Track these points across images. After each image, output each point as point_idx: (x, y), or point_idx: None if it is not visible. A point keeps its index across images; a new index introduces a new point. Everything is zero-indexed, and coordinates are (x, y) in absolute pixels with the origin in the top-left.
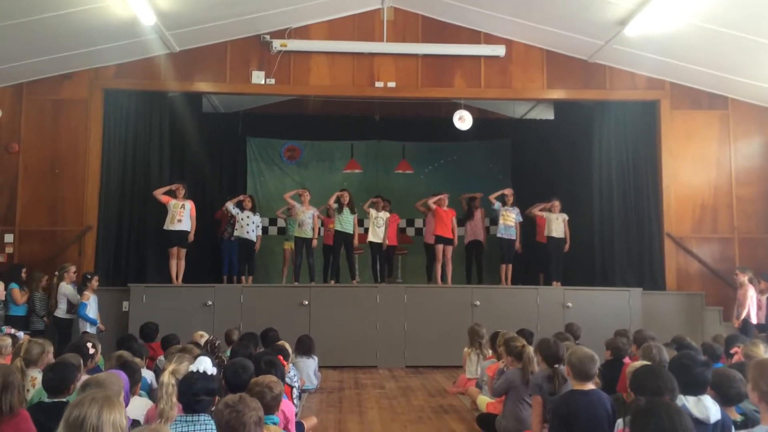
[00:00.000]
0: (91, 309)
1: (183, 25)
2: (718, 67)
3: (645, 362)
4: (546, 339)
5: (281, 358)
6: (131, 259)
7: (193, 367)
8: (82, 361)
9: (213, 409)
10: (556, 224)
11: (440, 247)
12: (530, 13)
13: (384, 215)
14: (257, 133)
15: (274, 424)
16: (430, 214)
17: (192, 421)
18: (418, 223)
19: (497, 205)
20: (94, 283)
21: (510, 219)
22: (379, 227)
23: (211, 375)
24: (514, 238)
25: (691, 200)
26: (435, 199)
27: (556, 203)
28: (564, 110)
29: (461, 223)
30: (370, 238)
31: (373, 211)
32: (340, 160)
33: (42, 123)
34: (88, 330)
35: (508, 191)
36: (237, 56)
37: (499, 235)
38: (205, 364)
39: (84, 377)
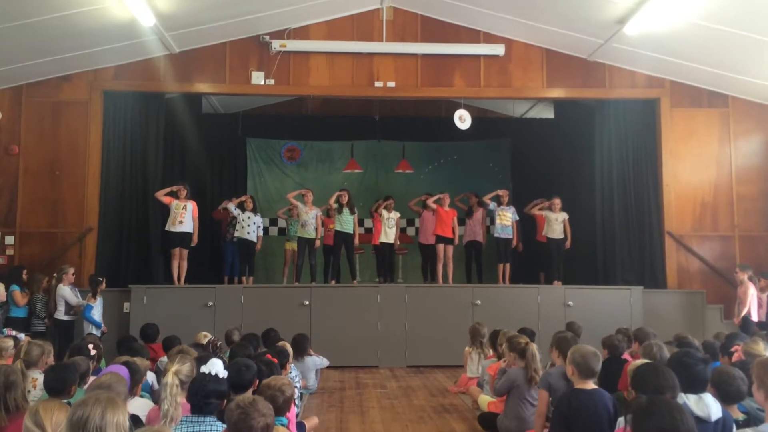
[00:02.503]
0: (96, 311)
1: (182, 26)
2: (718, 65)
3: (646, 360)
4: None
5: (270, 356)
6: (132, 260)
7: (204, 369)
8: (90, 364)
9: (226, 408)
10: (556, 224)
11: (441, 246)
12: (529, 12)
13: (395, 216)
14: (257, 134)
15: (283, 425)
16: (426, 214)
17: (198, 422)
18: (420, 222)
19: (492, 205)
20: (103, 285)
21: (507, 218)
22: (390, 228)
23: (222, 378)
24: (511, 237)
25: (692, 198)
26: (434, 198)
27: (557, 201)
28: (564, 109)
29: (461, 222)
30: (382, 239)
31: (384, 212)
32: (340, 160)
33: (42, 125)
34: (93, 332)
35: (503, 192)
36: (236, 57)
37: (496, 234)
38: (217, 367)
39: (90, 379)
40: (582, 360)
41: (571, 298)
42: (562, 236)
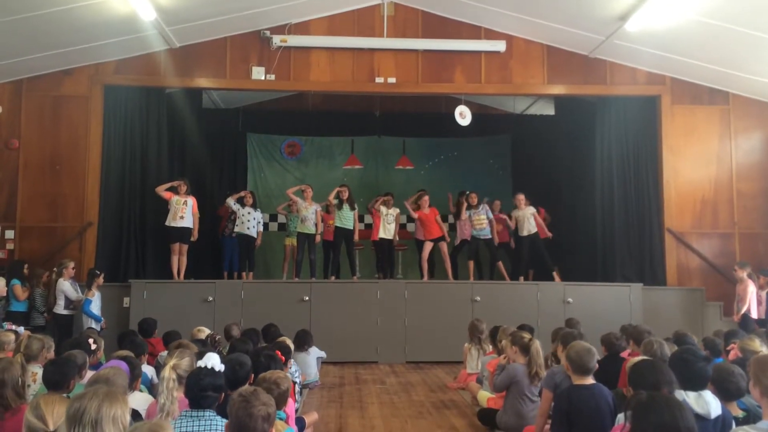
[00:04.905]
0: (95, 306)
1: (183, 21)
2: (719, 62)
3: (643, 357)
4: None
5: (279, 353)
6: (131, 255)
7: (201, 363)
8: (87, 358)
9: (229, 399)
10: (527, 222)
11: (430, 245)
12: (531, 8)
13: (393, 212)
14: (257, 129)
15: (281, 419)
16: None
17: (197, 416)
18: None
19: (471, 211)
20: (101, 279)
21: (481, 221)
22: (389, 224)
23: (219, 371)
24: (489, 237)
25: (692, 195)
26: (413, 199)
27: (520, 197)
28: (564, 106)
29: (453, 224)
30: (381, 235)
31: (383, 209)
32: (340, 155)
33: (42, 119)
34: (93, 326)
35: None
36: (237, 52)
37: (474, 234)
38: (213, 360)
39: (89, 373)
40: (576, 356)
41: (570, 295)
42: (534, 231)
